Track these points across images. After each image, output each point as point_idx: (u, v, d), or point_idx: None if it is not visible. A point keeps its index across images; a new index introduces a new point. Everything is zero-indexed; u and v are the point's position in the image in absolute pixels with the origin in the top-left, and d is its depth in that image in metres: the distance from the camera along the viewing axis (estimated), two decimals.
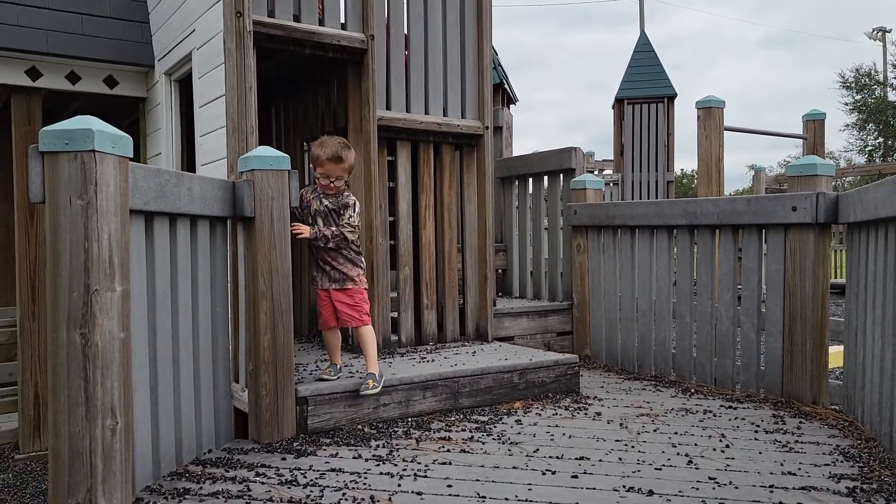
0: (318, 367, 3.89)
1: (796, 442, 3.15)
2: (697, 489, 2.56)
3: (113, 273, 2.08)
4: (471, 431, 3.36)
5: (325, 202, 3.57)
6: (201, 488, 2.59)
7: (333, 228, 3.53)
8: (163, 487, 2.58)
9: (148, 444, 2.59)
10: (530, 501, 2.46)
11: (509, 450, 3.06)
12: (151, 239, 2.62)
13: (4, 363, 5.69)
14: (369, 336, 3.60)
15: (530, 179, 6.04)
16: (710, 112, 6.45)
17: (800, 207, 3.73)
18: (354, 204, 3.59)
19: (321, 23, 4.19)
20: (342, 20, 4.30)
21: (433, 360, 4.12)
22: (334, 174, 3.50)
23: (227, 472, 2.79)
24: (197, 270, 2.99)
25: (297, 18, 4.09)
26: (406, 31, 4.61)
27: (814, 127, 9.62)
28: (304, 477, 2.72)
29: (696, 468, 2.79)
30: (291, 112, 5.46)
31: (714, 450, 3.04)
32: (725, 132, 6.89)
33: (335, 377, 3.54)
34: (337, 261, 3.59)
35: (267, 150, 3.26)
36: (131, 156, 2.18)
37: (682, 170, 45.68)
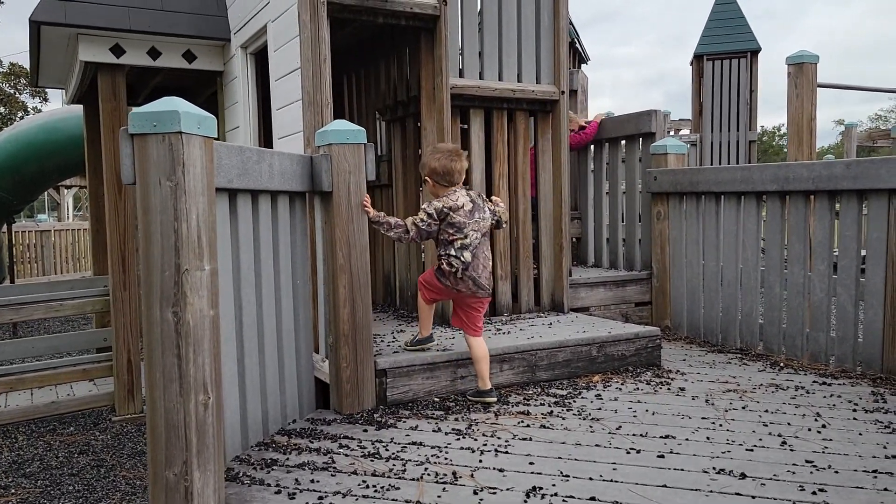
0: (394, 338, 3.92)
1: None
2: (794, 473, 2.44)
3: (202, 252, 2.11)
4: (549, 406, 3.33)
5: None
6: (288, 459, 2.66)
7: (400, 220, 3.39)
8: (251, 458, 2.67)
9: (237, 415, 2.67)
10: (616, 482, 2.41)
11: (591, 426, 3.01)
12: (235, 216, 2.66)
13: (101, 329, 6.02)
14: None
15: (607, 144, 5.85)
16: (801, 68, 6.03)
17: None
18: (426, 206, 3.36)
19: None
20: None
21: (509, 332, 4.08)
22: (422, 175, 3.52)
23: (312, 442, 2.85)
24: (278, 245, 3.03)
25: None
26: None
27: None
28: (387, 450, 2.75)
29: (791, 450, 2.67)
30: (364, 82, 5.43)
31: (809, 430, 2.90)
32: (818, 89, 6.45)
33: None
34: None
35: (343, 124, 3.24)
36: (216, 136, 2.19)
37: (762, 127, 43.66)
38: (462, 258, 3.33)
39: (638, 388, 3.60)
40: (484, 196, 3.58)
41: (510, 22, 4.58)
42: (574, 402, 3.39)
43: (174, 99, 2.05)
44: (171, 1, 5.05)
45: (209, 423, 2.14)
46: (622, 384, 3.69)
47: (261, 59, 4.88)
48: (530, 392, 3.57)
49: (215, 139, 2.21)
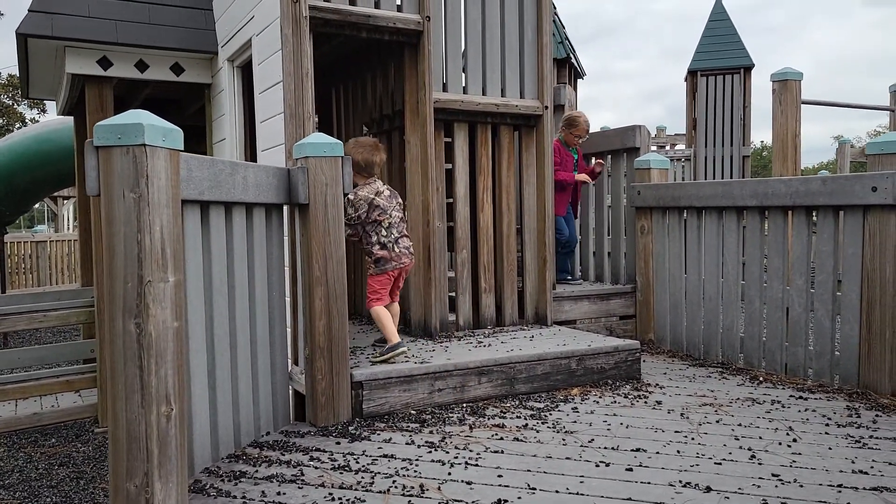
0: (374, 349, 3.92)
1: (871, 437, 2.97)
2: (759, 486, 2.45)
3: (165, 264, 2.13)
4: (525, 419, 3.33)
5: None
6: (257, 472, 2.66)
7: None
8: (220, 469, 2.67)
9: (206, 427, 2.67)
10: (581, 495, 2.41)
11: (563, 439, 3.01)
12: (207, 228, 2.68)
13: (87, 340, 6.02)
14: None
15: (593, 159, 5.88)
16: (785, 85, 6.08)
17: (881, 188, 3.48)
18: (350, 197, 3.71)
19: (377, 5, 4.16)
20: (398, 1, 4.26)
21: (490, 345, 4.09)
22: None
23: (283, 455, 2.85)
24: (253, 257, 3.05)
25: (352, 2, 4.07)
26: (463, 9, 4.53)
27: None
28: (357, 462, 2.76)
29: (759, 463, 2.67)
30: (351, 96, 5.48)
31: (780, 444, 2.90)
32: (803, 105, 6.50)
33: None
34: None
35: (320, 137, 3.27)
36: (182, 148, 2.21)
37: (762, 142, 43.83)
38: (392, 235, 3.82)
39: (615, 402, 3.61)
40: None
41: (493, 37, 4.62)
42: (550, 414, 3.39)
43: (139, 112, 2.08)
44: (159, 14, 5.10)
45: (171, 434, 2.14)
46: (600, 397, 3.69)
47: (247, 73, 4.92)
48: (507, 405, 3.58)
49: (182, 151, 2.23)
